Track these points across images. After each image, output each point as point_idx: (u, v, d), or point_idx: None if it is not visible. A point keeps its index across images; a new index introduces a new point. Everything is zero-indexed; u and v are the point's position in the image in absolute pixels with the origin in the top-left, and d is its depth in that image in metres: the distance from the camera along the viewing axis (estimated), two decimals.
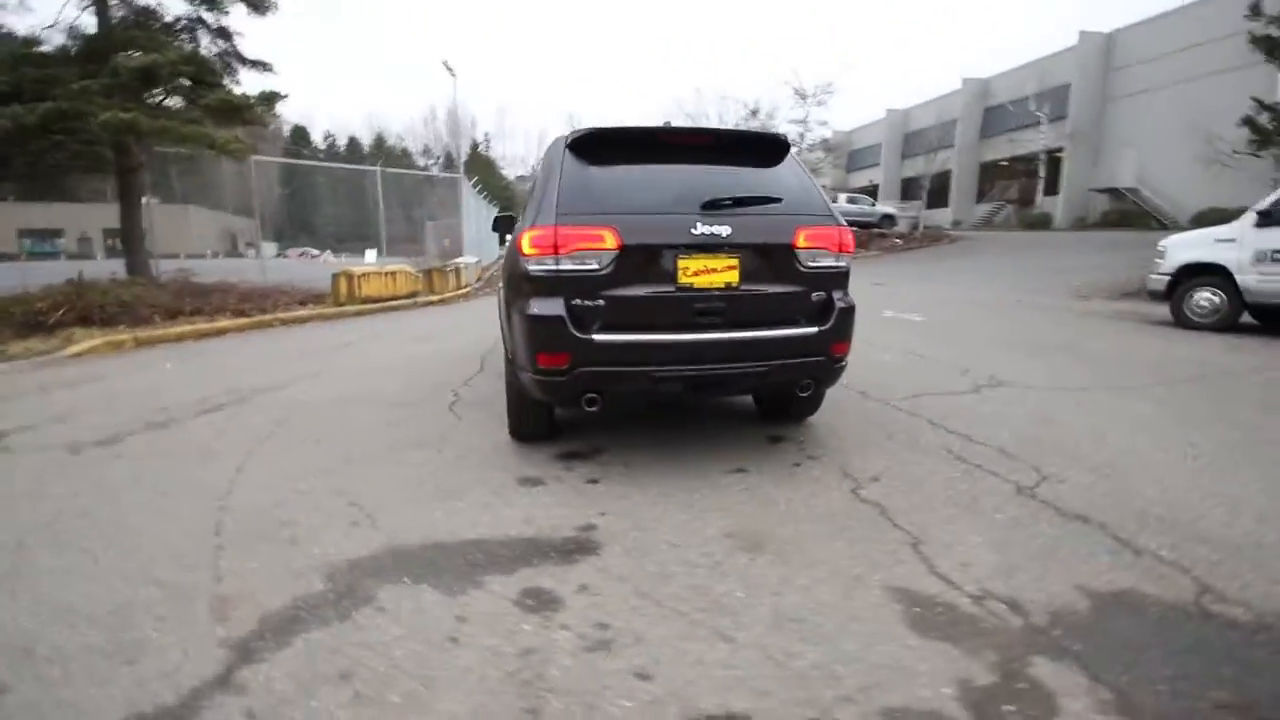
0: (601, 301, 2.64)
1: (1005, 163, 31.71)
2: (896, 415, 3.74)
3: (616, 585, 1.97)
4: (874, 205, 27.29)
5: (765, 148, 3.05)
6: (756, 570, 2.06)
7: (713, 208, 2.69)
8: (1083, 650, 1.67)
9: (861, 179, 41.18)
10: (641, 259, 2.65)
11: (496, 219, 5.07)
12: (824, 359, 2.84)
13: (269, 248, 26.58)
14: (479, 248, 18.08)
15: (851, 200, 27.10)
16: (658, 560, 2.13)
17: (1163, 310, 8.25)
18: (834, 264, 2.85)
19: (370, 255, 17.88)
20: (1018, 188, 30.92)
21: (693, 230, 2.63)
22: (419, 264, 12.80)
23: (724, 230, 2.64)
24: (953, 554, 2.15)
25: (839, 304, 2.86)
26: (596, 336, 2.62)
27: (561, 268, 2.63)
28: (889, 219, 26.79)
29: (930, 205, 31.35)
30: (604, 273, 2.63)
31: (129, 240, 9.25)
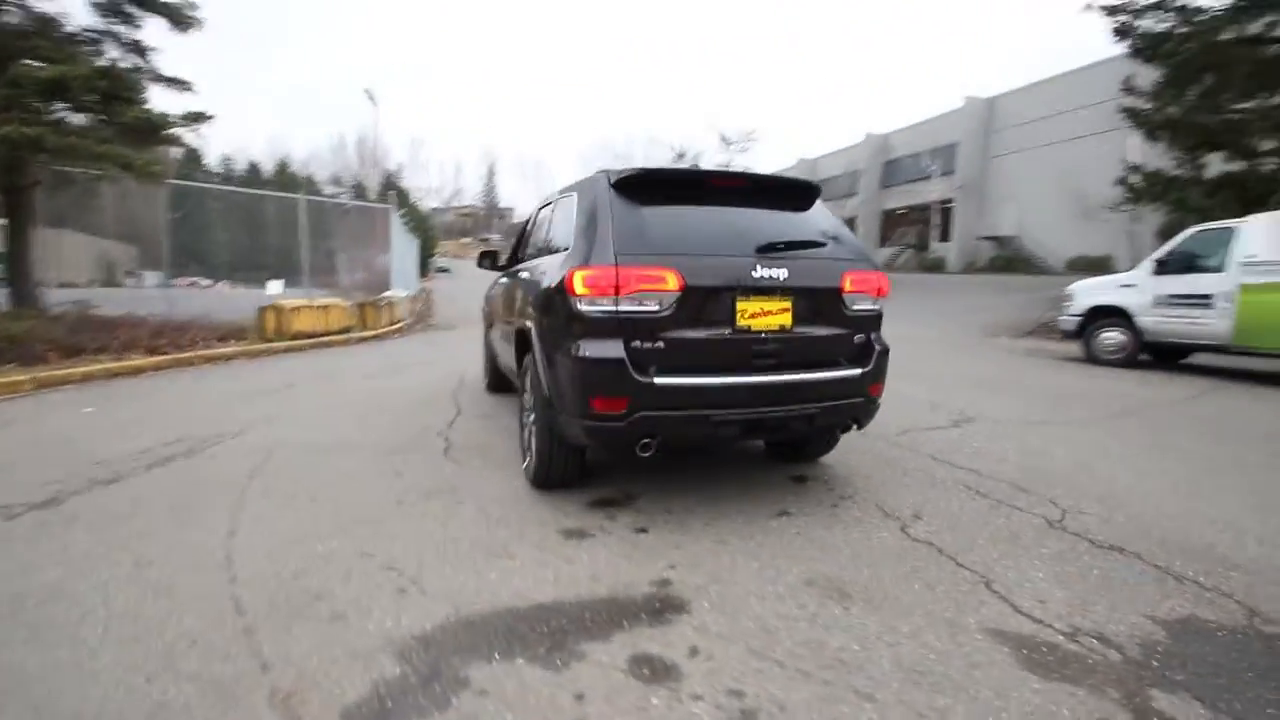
0: (661, 343, 2.58)
1: (904, 211, 34.54)
2: (899, 452, 3.87)
3: (726, 646, 1.87)
4: None
5: (798, 193, 3.12)
6: (855, 620, 2.03)
7: (768, 251, 2.72)
8: (1185, 679, 1.75)
9: None
10: (701, 301, 2.62)
11: (482, 255, 4.90)
12: (864, 400, 2.90)
13: (151, 276, 24.29)
14: (406, 280, 17.36)
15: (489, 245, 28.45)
16: (753, 615, 2.04)
17: (1071, 347, 9.14)
18: (872, 307, 2.95)
19: (274, 286, 16.65)
20: (915, 234, 33.69)
21: (754, 273, 2.64)
22: (336, 296, 12.07)
23: (782, 274, 2.67)
24: (1025, 592, 2.21)
25: (877, 346, 2.94)
26: (657, 380, 2.55)
27: (621, 309, 2.55)
28: None
29: None
30: (664, 314, 2.57)
31: (16, 267, 8.14)
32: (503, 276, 4.83)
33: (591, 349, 2.59)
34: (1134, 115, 13.94)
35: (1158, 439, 4.35)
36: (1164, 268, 7.26)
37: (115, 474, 3.43)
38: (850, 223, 36.13)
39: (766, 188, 3.08)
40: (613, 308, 2.56)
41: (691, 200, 2.91)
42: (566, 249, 2.94)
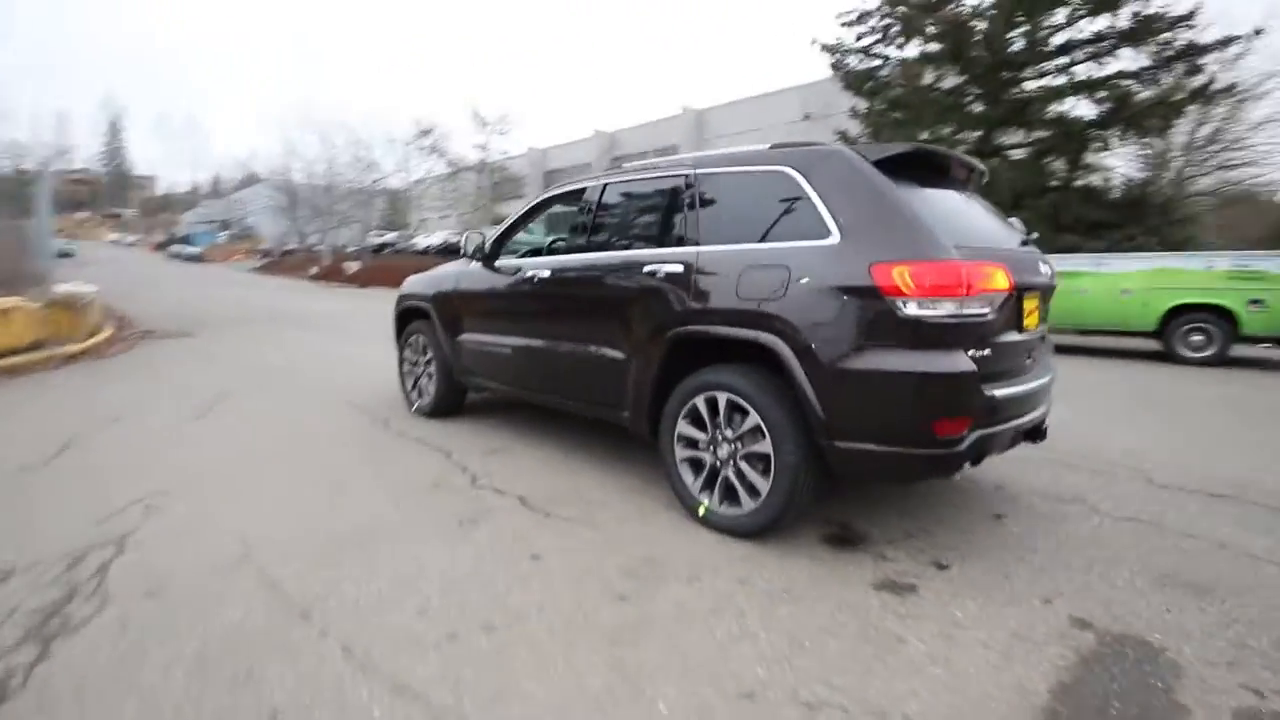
0: (989, 351, 2.26)
1: None
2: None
3: None
4: (548, 234, 28.70)
5: (978, 176, 2.98)
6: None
7: (1025, 244, 2.58)
8: None
9: (508, 209, 42.75)
10: (1009, 301, 2.36)
11: (498, 237, 3.73)
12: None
13: None
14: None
15: (479, 233, 28.00)
16: None
17: None
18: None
19: None
20: None
21: (1040, 268, 2.47)
22: None
23: (1047, 270, 2.56)
24: None
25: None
26: (997, 392, 2.23)
27: (966, 312, 2.15)
28: None
29: None
30: (991, 318, 2.25)
31: None
32: (510, 270, 3.74)
33: (931, 361, 2.15)
34: (844, 137, 17.24)
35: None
36: None
37: None
38: None
39: (971, 172, 2.89)
40: (955, 311, 2.15)
41: (937, 184, 2.60)
42: (773, 236, 2.48)
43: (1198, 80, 13.14)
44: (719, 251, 2.64)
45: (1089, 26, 14.69)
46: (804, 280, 2.33)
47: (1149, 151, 18.33)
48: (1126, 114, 13.27)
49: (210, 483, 3.22)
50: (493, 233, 3.94)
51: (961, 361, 2.16)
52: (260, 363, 6.95)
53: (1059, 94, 14.66)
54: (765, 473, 2.48)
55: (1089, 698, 1.70)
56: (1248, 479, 3.43)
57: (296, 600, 2.11)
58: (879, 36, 16.57)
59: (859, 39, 16.77)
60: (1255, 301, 7.42)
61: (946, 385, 2.14)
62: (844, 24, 16.58)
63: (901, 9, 15.54)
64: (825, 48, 16.85)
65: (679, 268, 2.74)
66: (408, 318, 4.74)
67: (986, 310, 2.23)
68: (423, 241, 29.37)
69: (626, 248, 3.10)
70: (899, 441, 2.20)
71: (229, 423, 4.40)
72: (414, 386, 4.66)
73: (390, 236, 32.28)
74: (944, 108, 15.20)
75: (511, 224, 3.90)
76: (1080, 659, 1.86)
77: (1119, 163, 18.30)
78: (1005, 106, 15.05)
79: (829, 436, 2.30)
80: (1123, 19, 14.22)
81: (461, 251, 3.96)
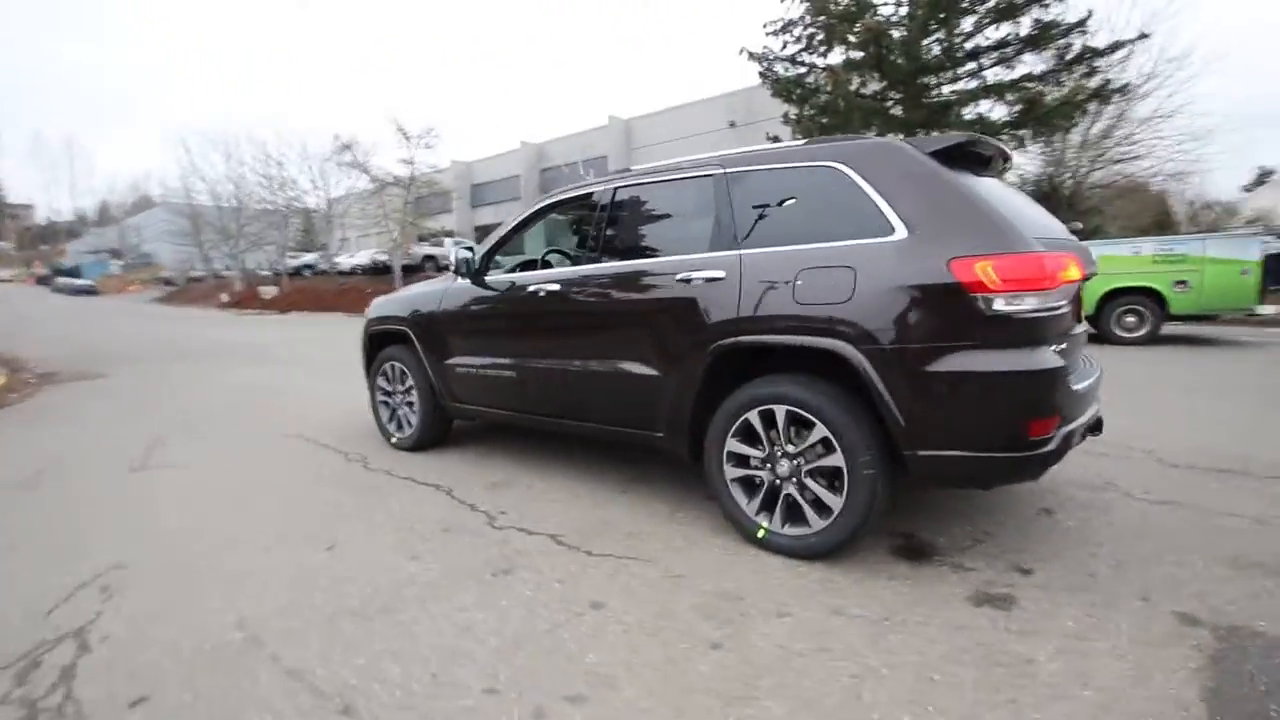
0: (1065, 345, 2.17)
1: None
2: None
3: None
4: None
5: (1007, 166, 2.90)
6: None
7: (1075, 235, 2.53)
8: None
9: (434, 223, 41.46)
10: (1073, 294, 2.29)
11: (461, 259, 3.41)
12: None
13: None
14: None
15: (457, 243, 27.10)
16: None
17: None
18: None
19: None
20: None
21: (1092, 260, 2.42)
22: None
23: (1095, 260, 2.52)
24: None
25: None
26: (1076, 386, 2.14)
27: (1049, 305, 2.05)
28: None
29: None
30: (1066, 310, 2.17)
31: None
32: (505, 286, 3.43)
33: (1021, 359, 2.04)
34: (775, 142, 17.63)
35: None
36: None
37: None
38: None
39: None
40: (1040, 305, 2.04)
41: (983, 175, 2.50)
42: (822, 234, 2.35)
43: (1095, 81, 14.24)
44: (767, 254, 2.45)
45: (994, 33, 15.71)
46: (873, 280, 2.17)
47: (1050, 149, 19.73)
48: (1037, 114, 14.17)
49: (174, 550, 2.73)
50: (481, 247, 3.60)
51: (1050, 357, 2.05)
52: (189, 402, 6.22)
53: (973, 97, 15.54)
54: (835, 488, 2.31)
55: (1243, 701, 1.60)
56: (1240, 453, 3.57)
57: (331, 693, 1.74)
58: (803, 45, 17.09)
59: (784, 47, 17.24)
60: (1180, 283, 7.99)
61: (1039, 383, 2.03)
62: (770, 33, 16.99)
63: (824, 18, 16.08)
64: (753, 56, 17.20)
65: (720, 273, 2.54)
66: (380, 343, 4.30)
67: (1063, 303, 2.14)
68: (347, 261, 27.91)
69: (651, 255, 2.87)
70: (991, 445, 2.07)
71: (174, 475, 3.83)
72: (391, 418, 4.23)
73: (309, 258, 30.48)
74: (868, 112, 15.81)
75: (503, 236, 3.58)
76: (1209, 659, 1.78)
77: (1023, 160, 19.66)
78: (926, 110, 15.80)
79: (911, 445, 2.14)
80: (1024, 26, 15.28)
81: (452, 268, 3.59)
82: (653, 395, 2.79)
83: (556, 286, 3.11)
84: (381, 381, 4.26)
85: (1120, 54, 15.04)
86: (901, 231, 2.18)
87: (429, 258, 25.03)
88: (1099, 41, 14.71)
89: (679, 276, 2.66)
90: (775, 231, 2.48)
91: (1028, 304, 2.03)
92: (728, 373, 2.56)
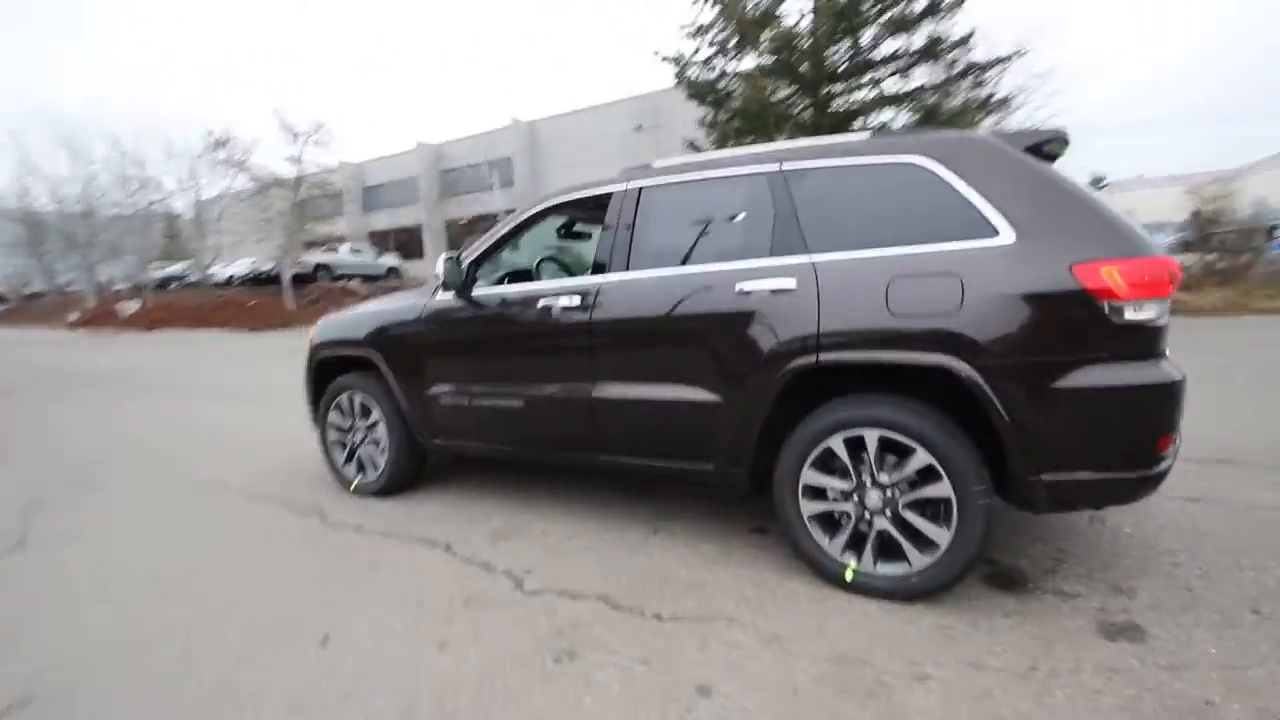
0: (1169, 353, 2.05)
1: (467, 220, 35.32)
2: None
3: None
4: (378, 257, 26.11)
5: None
6: None
7: None
8: None
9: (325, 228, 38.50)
10: None
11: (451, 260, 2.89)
12: None
13: None
14: None
15: (354, 251, 25.19)
16: None
17: None
18: None
19: None
20: None
21: None
22: None
23: None
24: None
25: None
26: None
27: (1165, 311, 1.92)
28: (394, 272, 26.24)
29: (407, 257, 32.10)
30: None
31: None
32: (498, 301, 2.96)
33: (1150, 372, 1.89)
34: (692, 146, 17.74)
35: None
36: None
37: None
38: (414, 231, 35.11)
39: None
40: (1161, 312, 1.91)
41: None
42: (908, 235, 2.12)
43: (984, 93, 15.43)
44: (847, 261, 2.17)
45: (890, 45, 16.64)
46: (984, 288, 1.95)
47: None
48: (936, 123, 15.11)
49: (105, 667, 2.04)
50: (467, 256, 3.08)
51: (1174, 369, 1.93)
52: (70, 447, 5.10)
53: (875, 106, 16.39)
54: (941, 519, 2.07)
55: None
56: (1241, 444, 3.60)
57: None
58: (716, 49, 17.30)
59: (698, 51, 17.36)
60: None
61: (1170, 397, 1.89)
62: (687, 35, 17.04)
63: (736, 23, 16.34)
64: (667, 59, 17.19)
65: (789, 283, 2.23)
66: (330, 372, 3.64)
67: (1167, 309, 2.03)
68: (223, 271, 25.15)
69: (694, 263, 2.51)
70: (1120, 465, 1.91)
71: (73, 554, 3.00)
72: (350, 459, 3.58)
73: (177, 268, 27.19)
74: (779, 117, 16.25)
75: (494, 243, 3.07)
76: None
77: None
78: (834, 116, 16.46)
79: (1034, 469, 1.95)
80: (918, 39, 16.31)
81: (442, 279, 3.02)
82: (705, 423, 2.44)
83: (576, 300, 2.69)
84: (335, 417, 3.60)
85: (998, 69, 16.42)
86: (1008, 234, 1.98)
87: (321, 266, 23.02)
88: (980, 56, 15.98)
89: (738, 288, 2.33)
90: (851, 235, 2.22)
91: (1151, 311, 1.89)
92: (799, 396, 2.27)
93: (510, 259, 3.44)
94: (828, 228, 2.26)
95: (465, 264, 3.05)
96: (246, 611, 2.36)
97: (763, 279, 2.29)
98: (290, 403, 6.17)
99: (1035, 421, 1.92)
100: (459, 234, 35.64)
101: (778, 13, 16.28)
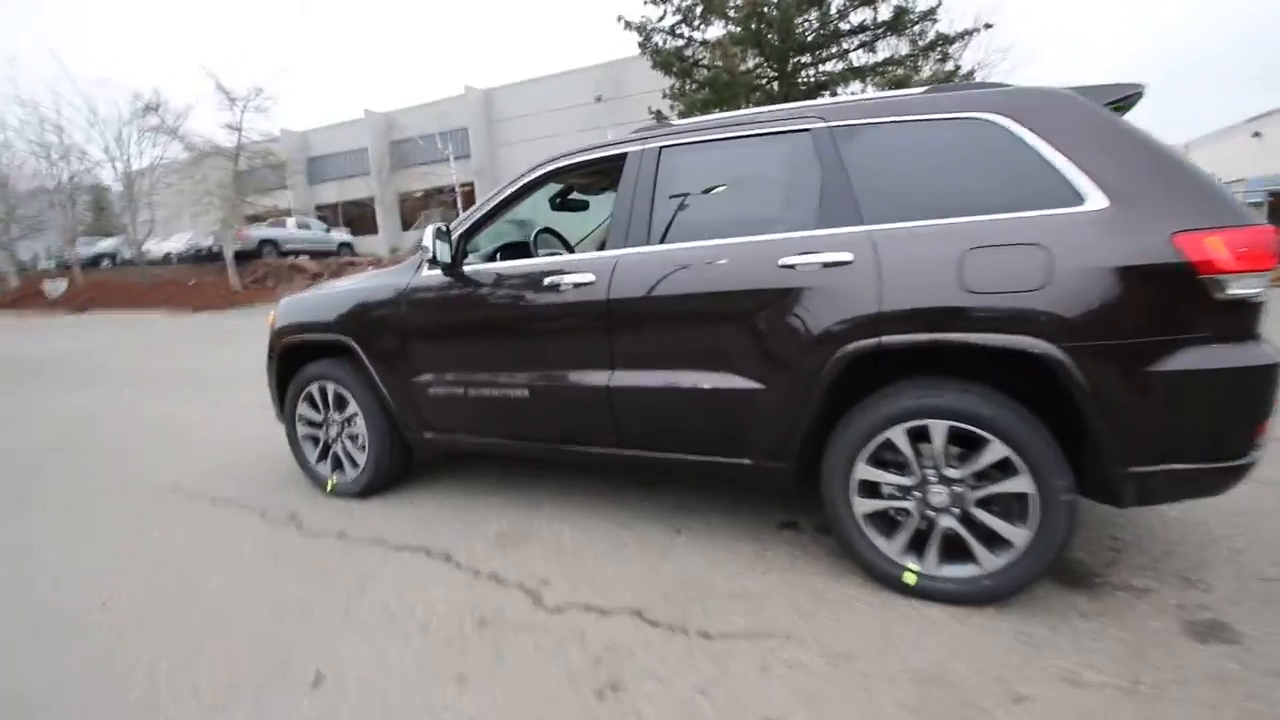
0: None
1: (421, 194, 33.94)
2: None
3: None
4: (329, 231, 24.87)
5: None
6: None
7: None
8: None
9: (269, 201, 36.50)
10: None
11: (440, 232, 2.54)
12: None
13: None
14: None
15: (302, 225, 23.86)
16: None
17: None
18: None
19: None
20: (441, 216, 33.68)
21: None
22: None
23: None
24: None
25: None
26: None
27: (1265, 287, 1.74)
28: (347, 246, 25.09)
29: (357, 232, 30.74)
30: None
31: None
32: (493, 277, 2.62)
33: (1253, 353, 1.71)
34: (658, 116, 17.28)
35: None
36: None
37: None
38: (364, 205, 33.56)
39: None
40: (1260, 288, 1.72)
41: None
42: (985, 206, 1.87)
43: (949, 66, 15.43)
44: (913, 231, 1.92)
45: (856, 18, 16.45)
46: (1072, 261, 1.73)
47: None
48: None
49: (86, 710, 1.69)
50: (456, 227, 2.71)
51: (1273, 350, 1.76)
52: (0, 446, 4.54)
53: (843, 78, 16.21)
54: (1017, 517, 1.88)
55: None
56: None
57: None
58: (681, 17, 16.79)
59: (663, 18, 16.82)
60: None
61: (1271, 381, 1.72)
62: (649, 1, 16.46)
63: None
64: (630, 25, 16.60)
65: (845, 255, 1.98)
66: (297, 360, 3.23)
67: (1267, 284, 1.86)
68: (160, 248, 23.56)
69: (729, 234, 2.22)
70: (1219, 455, 1.74)
71: (8, 574, 2.58)
72: (325, 456, 3.21)
73: (108, 244, 25.32)
74: (747, 87, 15.92)
75: (487, 213, 2.71)
76: None
77: None
78: (802, 88, 16.23)
79: (1126, 461, 1.76)
80: (883, 12, 16.15)
81: (431, 255, 2.63)
82: (741, 414, 2.19)
83: (590, 278, 2.37)
84: (305, 409, 3.21)
85: (962, 43, 16.43)
86: (1098, 199, 1.76)
87: (267, 241, 21.75)
88: (946, 29, 15.94)
89: (781, 262, 2.06)
90: (913, 202, 1.97)
91: (1254, 286, 1.70)
92: (855, 382, 2.03)
93: (504, 231, 3.08)
94: (886, 193, 2.01)
95: (454, 236, 2.68)
96: (220, 647, 2.02)
97: (811, 252, 2.03)
98: (247, 389, 5.67)
99: (1128, 409, 1.73)
100: (413, 208, 34.27)
101: None
